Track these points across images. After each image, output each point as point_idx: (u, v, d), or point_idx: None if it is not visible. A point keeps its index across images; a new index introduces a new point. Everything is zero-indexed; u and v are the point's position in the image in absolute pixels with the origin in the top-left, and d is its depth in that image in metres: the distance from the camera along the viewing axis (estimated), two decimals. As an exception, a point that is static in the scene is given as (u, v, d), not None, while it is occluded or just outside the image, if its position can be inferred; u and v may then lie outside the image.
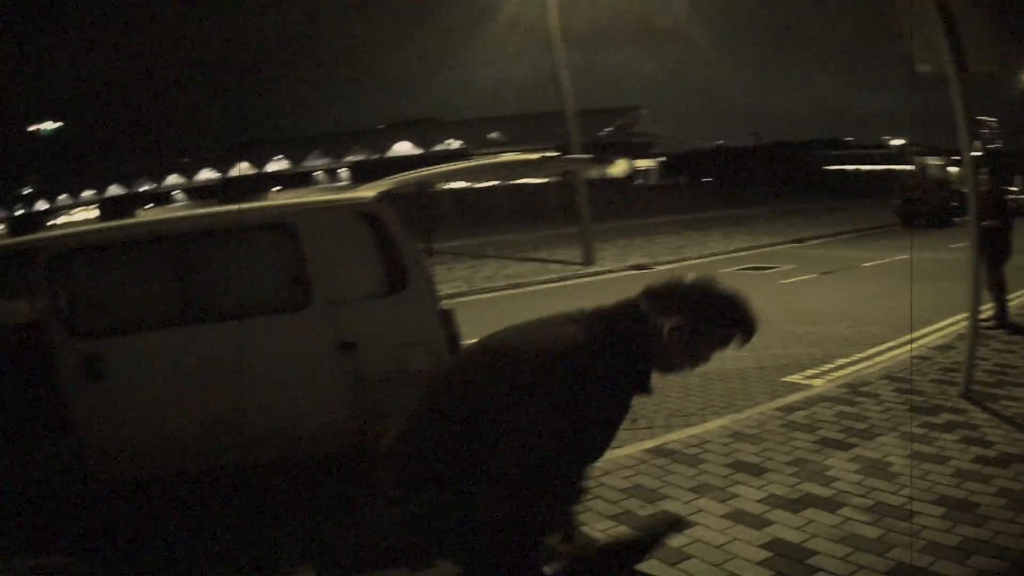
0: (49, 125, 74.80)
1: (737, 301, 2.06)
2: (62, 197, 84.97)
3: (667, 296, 2.05)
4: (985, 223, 8.20)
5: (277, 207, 5.55)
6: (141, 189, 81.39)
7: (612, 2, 24.71)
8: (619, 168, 58.51)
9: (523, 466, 1.89)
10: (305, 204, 5.32)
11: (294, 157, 75.18)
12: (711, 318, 2.03)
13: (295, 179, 70.51)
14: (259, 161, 75.30)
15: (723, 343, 2.08)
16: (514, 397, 1.93)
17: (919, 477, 4.38)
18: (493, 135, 69.78)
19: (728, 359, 7.96)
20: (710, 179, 66.08)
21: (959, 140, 5.84)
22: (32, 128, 74.45)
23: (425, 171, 6.33)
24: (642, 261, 17.29)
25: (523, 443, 1.89)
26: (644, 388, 2.10)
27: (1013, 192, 35.48)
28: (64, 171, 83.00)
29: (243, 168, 75.02)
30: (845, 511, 4.02)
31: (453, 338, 5.04)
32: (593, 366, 1.94)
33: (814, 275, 15.00)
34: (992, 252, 8.51)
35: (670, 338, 2.01)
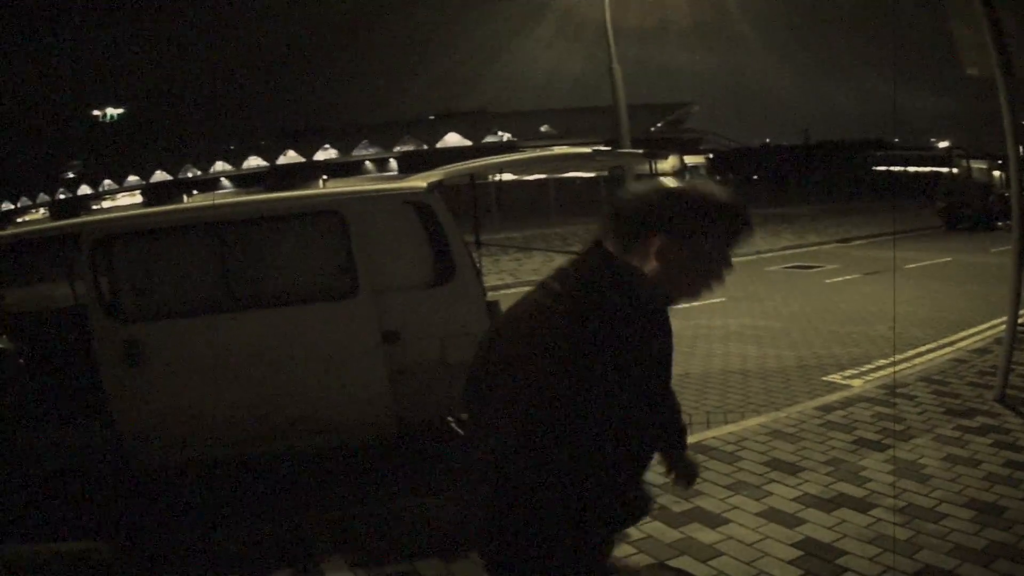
0: (113, 110, 76.27)
1: (711, 192, 1.71)
2: (107, 182, 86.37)
3: (635, 221, 1.70)
4: None
5: (324, 195, 5.55)
6: (187, 175, 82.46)
7: (665, -2, 24.53)
8: (669, 163, 58.16)
9: (507, 450, 1.58)
10: (353, 193, 5.34)
11: (343, 147, 75.71)
12: (695, 220, 1.67)
13: (343, 168, 70.97)
14: (307, 150, 75.98)
15: (724, 243, 1.71)
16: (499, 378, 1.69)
17: (951, 480, 4.44)
18: (544, 128, 69.60)
19: (769, 358, 8.02)
20: (757, 176, 65.37)
21: (1007, 143, 5.82)
22: (96, 113, 75.88)
23: (475, 162, 6.31)
24: None
25: (505, 423, 1.60)
26: (664, 301, 1.77)
27: None
28: (112, 156, 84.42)
29: (290, 156, 75.76)
30: (877, 511, 4.10)
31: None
32: (563, 321, 1.63)
33: (858, 275, 14.87)
34: None
35: (661, 262, 1.67)
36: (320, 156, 76.34)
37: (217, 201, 5.19)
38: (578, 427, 1.58)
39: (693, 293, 1.75)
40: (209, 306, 4.77)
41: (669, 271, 1.68)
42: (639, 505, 1.99)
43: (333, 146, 76.26)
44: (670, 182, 1.74)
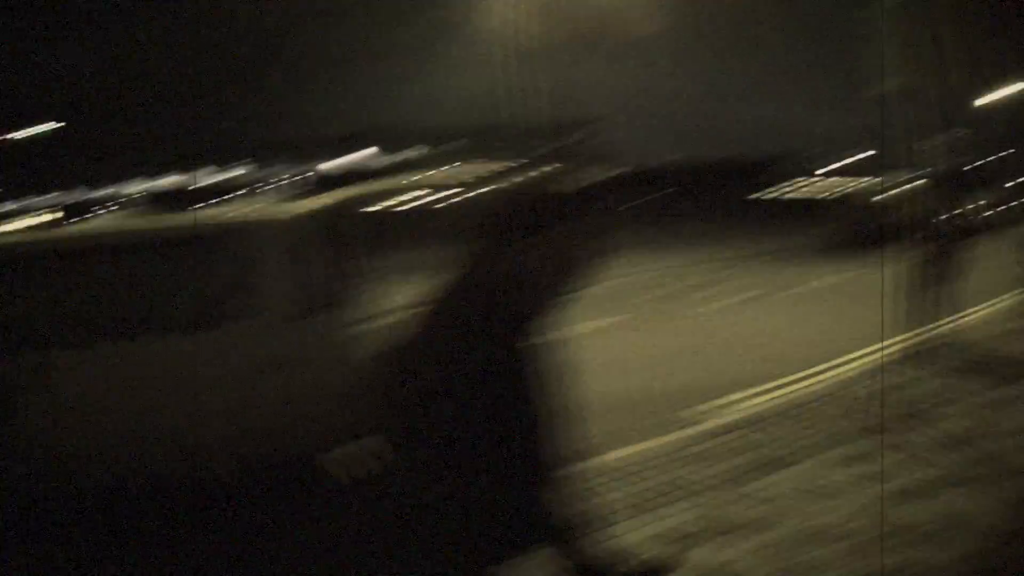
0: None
1: None
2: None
3: None
4: (925, 247, 7.97)
5: (200, 219, 5.35)
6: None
7: (575, 13, 24.60)
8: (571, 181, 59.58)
9: None
10: (229, 216, 5.21)
11: (247, 164, 74.08)
12: None
13: (243, 187, 69.31)
14: (198, 168, 73.73)
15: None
16: None
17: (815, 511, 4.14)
18: (454, 145, 69.71)
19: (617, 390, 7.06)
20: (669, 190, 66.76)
21: (917, 157, 5.73)
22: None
23: (366, 185, 6.23)
24: None
25: None
26: None
27: (965, 211, 35.69)
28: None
29: (182, 177, 73.50)
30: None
31: (381, 356, 4.95)
32: None
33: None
34: (927, 277, 8.09)
35: None
36: (220, 176, 74.21)
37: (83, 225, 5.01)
38: None
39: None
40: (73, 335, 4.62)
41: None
42: None
43: (237, 164, 74.42)
44: None
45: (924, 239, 7.83)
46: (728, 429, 5.70)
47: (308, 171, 57.06)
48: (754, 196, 55.34)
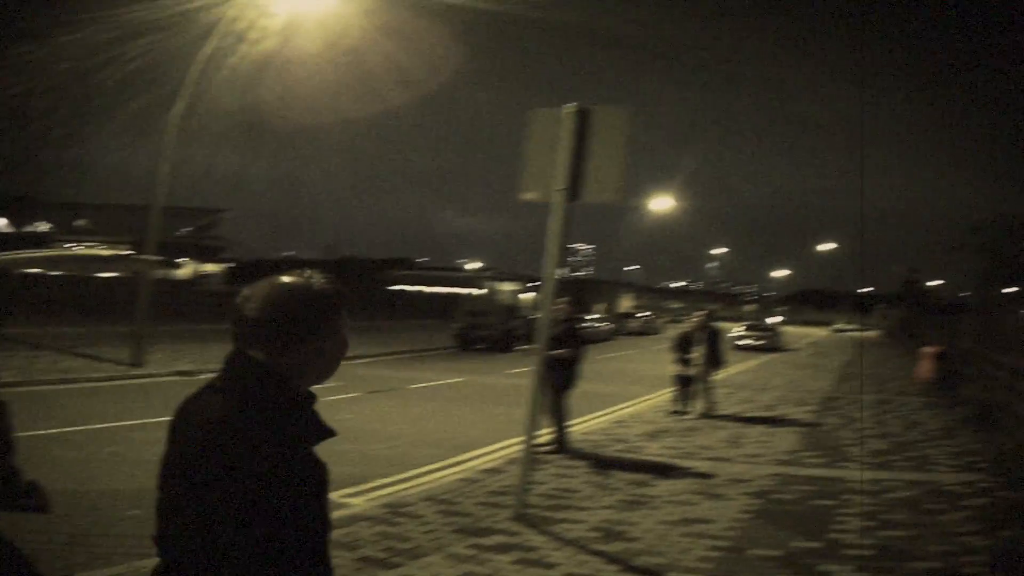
0: None
1: (329, 283, 1.83)
2: None
3: (290, 330, 1.75)
4: (555, 352, 8.71)
5: None
6: None
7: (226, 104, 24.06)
8: (185, 271, 59.15)
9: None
10: None
11: None
12: (340, 315, 1.82)
13: None
14: None
15: (342, 325, 1.85)
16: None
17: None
18: (81, 222, 66.18)
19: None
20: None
21: (545, 266, 6.27)
22: None
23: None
24: (189, 367, 16.56)
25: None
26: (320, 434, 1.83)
27: (589, 320, 38.44)
28: None
29: None
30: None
31: (5, 431, 4.70)
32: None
33: (359, 393, 14.35)
34: (558, 379, 9.02)
35: (320, 360, 1.79)
36: None
37: None
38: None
39: (331, 375, 1.86)
40: None
41: (322, 364, 1.80)
42: None
43: None
44: (291, 281, 1.79)
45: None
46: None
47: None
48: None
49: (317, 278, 1.81)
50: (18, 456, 2.77)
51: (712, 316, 13.73)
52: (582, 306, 52.83)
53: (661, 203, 33.21)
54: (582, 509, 6.56)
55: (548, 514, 6.34)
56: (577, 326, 9.65)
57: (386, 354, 23.65)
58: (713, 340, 12.87)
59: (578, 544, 5.61)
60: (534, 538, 5.71)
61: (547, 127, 6.31)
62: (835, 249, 57.33)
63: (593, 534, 5.88)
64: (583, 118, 6.20)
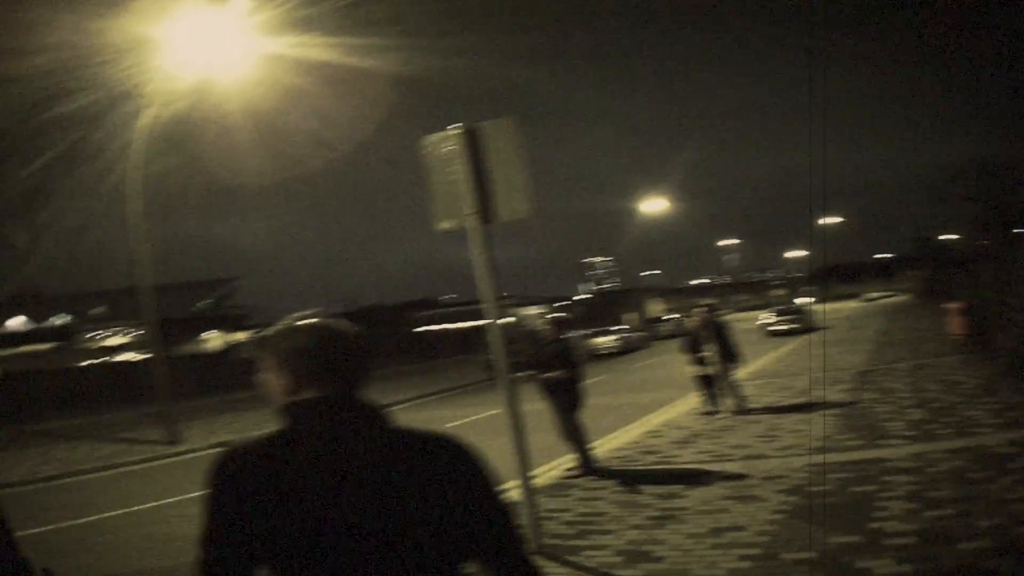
0: None
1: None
2: None
3: (359, 368, 1.87)
4: (548, 374, 8.69)
5: None
6: None
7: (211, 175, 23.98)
8: (215, 343, 59.11)
9: None
10: None
11: None
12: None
13: None
14: None
15: None
16: None
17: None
18: (98, 310, 66.14)
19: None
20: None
21: (481, 292, 5.99)
22: None
23: None
24: (227, 438, 16.49)
25: None
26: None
27: (617, 331, 38.88)
28: None
29: None
30: None
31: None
32: None
33: None
34: (561, 402, 8.75)
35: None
36: None
37: None
38: None
39: None
40: None
41: None
42: None
43: None
44: (341, 327, 1.86)
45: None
46: None
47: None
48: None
49: (343, 323, 1.89)
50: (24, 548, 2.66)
51: (714, 310, 13.15)
52: (595, 321, 52.16)
53: (657, 204, 33.14)
54: (607, 532, 6.28)
55: (571, 543, 6.07)
56: (568, 346, 9.19)
57: (417, 397, 23.66)
58: (721, 334, 12.28)
59: (599, 572, 5.36)
60: (555, 571, 5.48)
61: (441, 152, 6.07)
62: (841, 223, 57.33)
63: (616, 559, 5.60)
64: (472, 137, 5.97)
